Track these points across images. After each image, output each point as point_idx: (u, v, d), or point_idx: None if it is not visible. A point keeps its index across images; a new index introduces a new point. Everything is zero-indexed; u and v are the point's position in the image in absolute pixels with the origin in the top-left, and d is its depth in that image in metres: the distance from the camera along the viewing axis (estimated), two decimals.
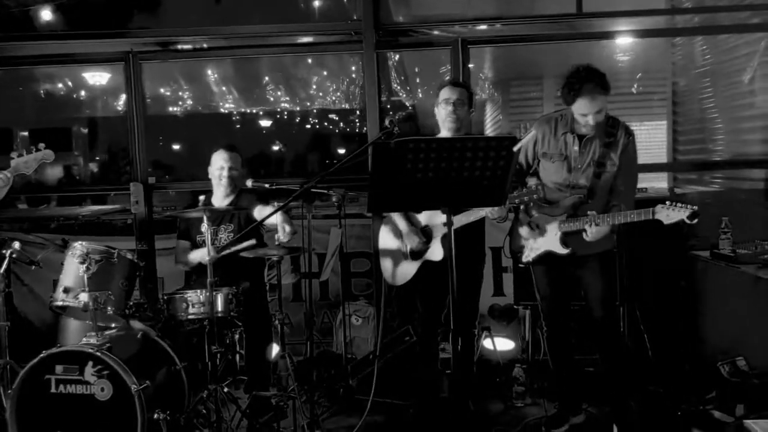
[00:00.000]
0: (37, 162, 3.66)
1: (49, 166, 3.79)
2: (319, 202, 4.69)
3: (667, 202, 3.12)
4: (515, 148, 2.70)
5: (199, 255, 4.01)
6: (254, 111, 14.20)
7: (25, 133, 14.60)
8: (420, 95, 11.06)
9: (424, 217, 3.81)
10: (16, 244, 3.73)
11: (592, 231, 3.32)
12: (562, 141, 3.53)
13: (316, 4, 6.07)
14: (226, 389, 3.65)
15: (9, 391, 3.33)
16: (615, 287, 3.67)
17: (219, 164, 4.17)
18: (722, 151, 5.94)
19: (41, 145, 3.67)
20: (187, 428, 3.52)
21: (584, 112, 3.36)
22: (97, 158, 15.59)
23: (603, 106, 3.35)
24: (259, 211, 4.02)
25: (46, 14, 5.23)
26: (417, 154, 2.59)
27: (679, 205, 3.10)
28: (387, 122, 3.35)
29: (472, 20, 5.02)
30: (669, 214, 3.10)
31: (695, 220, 3.07)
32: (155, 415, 3.26)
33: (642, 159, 6.52)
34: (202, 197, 4.07)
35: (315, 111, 14.88)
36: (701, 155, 6.30)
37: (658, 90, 8.08)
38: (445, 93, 3.72)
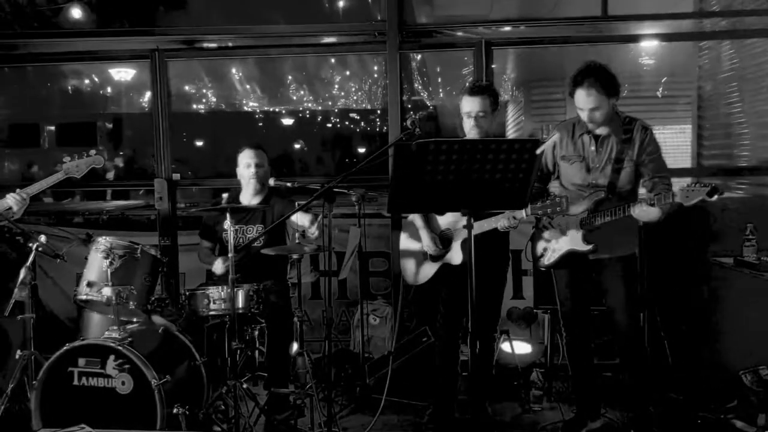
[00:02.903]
0: (87, 166, 3.82)
1: (69, 157, 3.89)
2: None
3: (686, 184, 3.06)
4: (538, 151, 2.70)
5: (218, 266, 4.04)
6: (276, 110, 14.29)
7: (52, 128, 14.82)
8: (441, 94, 11.07)
9: (444, 220, 3.81)
10: (42, 238, 3.79)
11: (635, 211, 3.21)
12: (579, 142, 3.53)
13: (341, 4, 6.10)
14: (245, 385, 3.69)
15: (33, 383, 3.38)
16: (637, 292, 3.63)
17: (245, 162, 4.19)
18: (748, 157, 5.86)
19: (92, 151, 3.82)
20: (205, 423, 3.55)
21: (579, 105, 3.36)
22: (122, 153, 15.80)
23: (599, 105, 3.32)
24: (296, 217, 4.05)
25: (75, 12, 5.30)
26: (438, 156, 2.60)
27: (698, 185, 3.03)
28: (409, 123, 3.34)
29: (496, 22, 5.01)
30: (688, 195, 3.02)
31: (715, 197, 2.98)
32: (174, 410, 3.30)
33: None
34: (225, 195, 4.10)
35: (336, 110, 14.94)
36: (726, 160, 6.22)
37: (684, 94, 8.00)
38: (466, 105, 3.64)
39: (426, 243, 3.80)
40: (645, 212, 3.20)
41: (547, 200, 3.24)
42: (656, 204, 3.15)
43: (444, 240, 3.79)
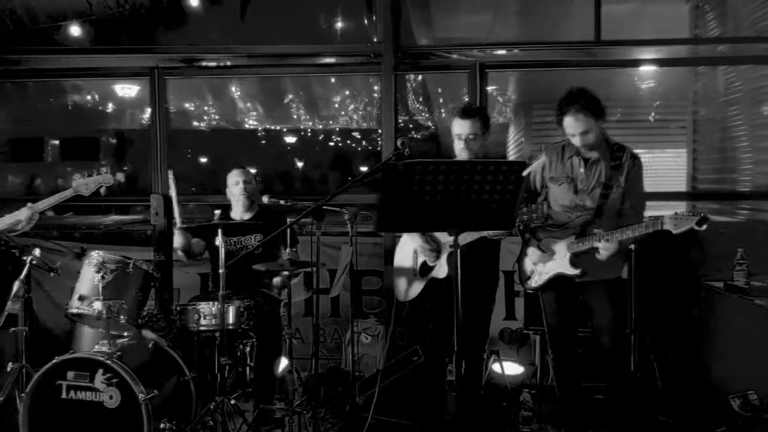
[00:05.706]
0: (96, 184, 3.86)
1: (79, 174, 3.95)
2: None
3: (675, 212, 3.09)
4: (524, 173, 2.73)
5: (177, 241, 4.17)
6: (278, 128, 14.38)
7: (56, 142, 14.93)
8: (442, 114, 11.12)
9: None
10: (37, 251, 3.82)
11: (603, 246, 3.31)
12: (568, 164, 3.57)
13: (339, 25, 6.20)
14: (233, 401, 3.69)
15: (22, 395, 3.41)
16: (624, 315, 3.63)
17: (234, 180, 4.36)
18: (746, 182, 5.88)
19: (103, 170, 3.86)
20: None
21: (570, 132, 3.43)
22: (125, 168, 15.85)
23: (589, 128, 3.38)
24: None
25: (75, 30, 5.39)
26: (425, 176, 2.63)
27: (687, 213, 3.06)
28: (399, 143, 3.38)
29: (490, 45, 5.07)
30: (677, 224, 3.05)
31: (704, 226, 3.00)
32: (161, 425, 3.33)
33: (661, 186, 6.47)
34: (217, 211, 4.15)
35: (338, 129, 15.03)
36: (722, 185, 6.24)
37: (678, 118, 8.04)
38: (457, 127, 3.69)
39: (422, 249, 3.80)
40: (606, 247, 3.31)
41: (524, 207, 3.25)
42: (611, 240, 3.27)
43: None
